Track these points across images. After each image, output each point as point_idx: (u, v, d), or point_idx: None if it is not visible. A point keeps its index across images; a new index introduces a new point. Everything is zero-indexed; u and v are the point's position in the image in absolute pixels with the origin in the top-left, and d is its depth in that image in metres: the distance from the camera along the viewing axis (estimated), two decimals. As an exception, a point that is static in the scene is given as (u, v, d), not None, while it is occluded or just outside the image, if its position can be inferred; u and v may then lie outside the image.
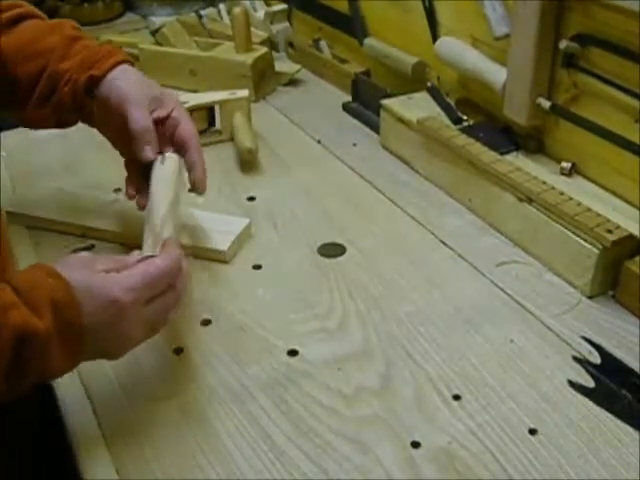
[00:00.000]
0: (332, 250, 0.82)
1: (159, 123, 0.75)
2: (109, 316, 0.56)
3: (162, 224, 0.67)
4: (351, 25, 1.21)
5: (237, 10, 1.18)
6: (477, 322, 0.71)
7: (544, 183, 0.80)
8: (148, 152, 0.74)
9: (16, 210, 0.87)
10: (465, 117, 0.98)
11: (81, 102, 0.75)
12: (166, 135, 0.75)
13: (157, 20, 1.38)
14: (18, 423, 0.71)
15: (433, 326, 0.71)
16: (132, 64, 0.78)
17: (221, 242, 0.80)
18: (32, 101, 0.76)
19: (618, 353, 0.67)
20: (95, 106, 0.76)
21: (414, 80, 1.07)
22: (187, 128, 0.76)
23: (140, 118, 0.73)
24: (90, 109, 0.76)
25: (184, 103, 1.01)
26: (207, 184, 0.84)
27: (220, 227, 0.83)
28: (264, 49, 1.21)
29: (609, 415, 0.61)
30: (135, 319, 0.58)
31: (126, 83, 0.74)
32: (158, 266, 0.59)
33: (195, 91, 1.11)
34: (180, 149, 0.76)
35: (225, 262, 0.80)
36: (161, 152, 0.75)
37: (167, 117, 0.75)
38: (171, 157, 0.75)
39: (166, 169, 0.74)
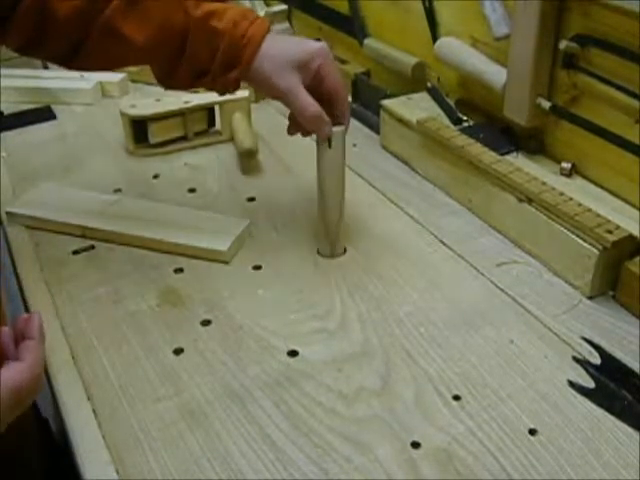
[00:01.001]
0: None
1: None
2: None
3: (337, 230, 0.79)
4: (351, 25, 1.21)
5: (237, 10, 1.18)
6: (477, 322, 0.71)
7: (544, 183, 0.80)
8: (324, 133, 0.76)
9: (16, 210, 0.87)
10: (465, 118, 0.98)
11: (227, 90, 0.79)
12: (315, 91, 0.76)
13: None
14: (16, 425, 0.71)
15: (433, 326, 0.71)
16: (268, 29, 0.76)
17: (221, 242, 0.80)
18: (175, 79, 0.78)
19: (618, 353, 0.67)
20: (248, 81, 0.78)
21: (414, 81, 1.07)
22: (333, 82, 0.76)
23: (306, 106, 0.74)
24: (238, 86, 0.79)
25: (186, 103, 1.02)
26: (207, 183, 0.85)
27: (220, 227, 0.83)
28: (264, 49, 1.21)
29: (609, 415, 0.61)
30: None
31: (272, 69, 0.75)
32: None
33: (196, 91, 1.11)
34: (327, 101, 0.77)
35: (225, 262, 0.80)
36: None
37: (314, 72, 0.75)
38: (337, 136, 0.76)
39: (335, 154, 0.77)
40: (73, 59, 0.76)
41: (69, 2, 0.72)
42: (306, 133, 0.81)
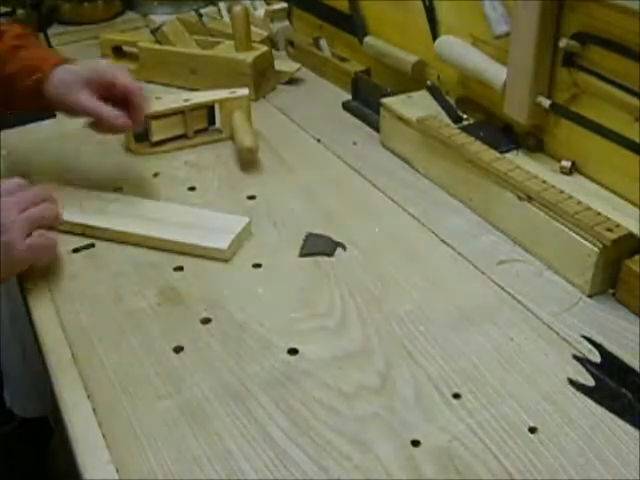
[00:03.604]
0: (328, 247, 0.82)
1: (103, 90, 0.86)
2: None
3: None
4: (351, 24, 1.21)
5: (237, 9, 1.18)
6: (477, 321, 0.71)
7: (544, 182, 0.79)
8: (118, 120, 0.85)
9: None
10: (465, 116, 0.98)
11: (32, 99, 0.88)
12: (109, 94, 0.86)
13: (157, 19, 1.39)
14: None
15: (433, 325, 0.71)
16: (68, 62, 0.89)
17: (221, 241, 0.80)
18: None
19: (618, 352, 0.67)
20: (46, 97, 0.87)
21: (414, 79, 1.07)
22: (121, 82, 0.86)
23: (85, 101, 0.84)
24: (42, 101, 0.87)
25: (186, 101, 1.02)
26: (207, 182, 0.84)
27: (220, 226, 0.83)
28: (264, 48, 1.21)
29: (609, 414, 0.61)
30: (10, 224, 0.70)
31: (64, 89, 0.85)
32: (22, 183, 0.76)
33: (195, 90, 1.11)
34: (126, 98, 0.86)
35: (225, 261, 0.80)
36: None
37: (103, 82, 0.86)
38: None
39: None
40: None
41: None
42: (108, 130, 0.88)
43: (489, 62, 0.92)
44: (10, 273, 0.73)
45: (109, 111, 0.84)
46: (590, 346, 0.68)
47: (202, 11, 1.38)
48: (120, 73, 0.87)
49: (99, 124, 0.86)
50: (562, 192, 0.78)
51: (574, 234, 0.74)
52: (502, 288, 0.76)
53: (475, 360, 0.67)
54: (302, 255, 0.81)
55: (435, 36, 1.02)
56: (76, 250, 0.82)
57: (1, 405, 1.18)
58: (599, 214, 0.74)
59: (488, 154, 0.85)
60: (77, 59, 0.94)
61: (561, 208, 0.75)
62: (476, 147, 0.87)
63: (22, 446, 1.14)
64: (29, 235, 0.72)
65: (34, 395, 1.22)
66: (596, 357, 0.67)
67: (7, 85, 0.88)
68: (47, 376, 0.67)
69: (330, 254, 0.81)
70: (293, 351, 0.68)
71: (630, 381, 0.64)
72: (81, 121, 0.86)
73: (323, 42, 1.29)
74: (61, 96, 0.85)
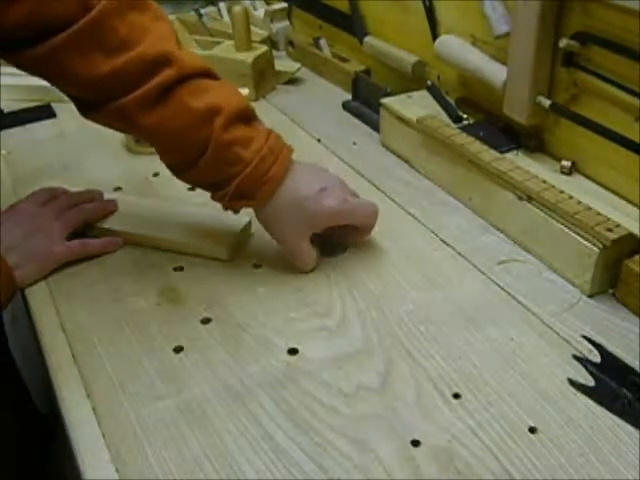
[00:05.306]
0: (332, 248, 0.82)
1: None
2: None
3: None
4: (351, 24, 1.21)
5: (237, 9, 1.18)
6: (477, 321, 0.71)
7: (544, 182, 0.79)
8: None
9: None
10: (465, 116, 0.98)
11: (234, 211, 0.77)
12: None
13: (157, 19, 1.38)
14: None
15: (433, 325, 0.71)
16: (290, 162, 0.75)
17: (221, 241, 0.80)
18: (182, 179, 0.76)
19: (618, 352, 0.67)
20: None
21: (414, 79, 1.07)
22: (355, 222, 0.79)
23: (305, 263, 0.78)
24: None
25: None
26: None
27: (220, 225, 0.83)
28: (264, 48, 1.21)
29: (609, 414, 0.61)
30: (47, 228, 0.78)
31: (282, 218, 0.75)
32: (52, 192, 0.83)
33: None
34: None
35: (225, 261, 0.80)
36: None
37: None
38: None
39: None
40: (86, 112, 0.77)
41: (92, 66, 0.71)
42: None
43: (489, 62, 0.92)
44: (44, 271, 0.78)
45: (312, 268, 0.78)
46: (590, 346, 0.68)
47: (202, 11, 1.38)
48: (349, 220, 0.78)
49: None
50: (562, 192, 0.78)
51: (574, 234, 0.74)
52: (502, 288, 0.76)
53: (475, 360, 0.67)
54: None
55: (435, 36, 1.02)
56: (76, 250, 0.82)
57: (1, 405, 1.18)
58: (599, 214, 0.74)
59: (488, 154, 0.85)
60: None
61: (561, 208, 0.75)
62: (476, 147, 0.87)
63: (22, 446, 1.14)
64: (70, 238, 0.80)
65: (34, 395, 1.21)
66: (596, 357, 0.67)
67: (208, 187, 0.76)
68: (47, 376, 0.67)
69: (330, 254, 0.81)
70: (293, 351, 0.68)
71: (630, 381, 0.64)
72: (80, 120, 0.86)
73: (323, 42, 1.29)
74: (274, 224, 0.76)
